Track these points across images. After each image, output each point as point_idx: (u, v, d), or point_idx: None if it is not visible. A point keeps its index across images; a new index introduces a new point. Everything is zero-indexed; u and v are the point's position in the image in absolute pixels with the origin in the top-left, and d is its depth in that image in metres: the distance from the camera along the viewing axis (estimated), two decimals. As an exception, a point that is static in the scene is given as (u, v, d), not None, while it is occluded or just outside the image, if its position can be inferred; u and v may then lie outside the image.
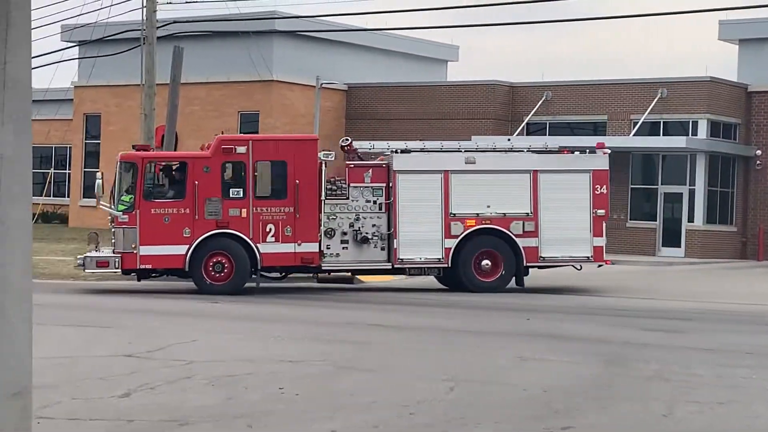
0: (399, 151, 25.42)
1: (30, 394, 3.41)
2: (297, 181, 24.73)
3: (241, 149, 24.95)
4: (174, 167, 25.35)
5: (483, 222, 25.06)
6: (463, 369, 13.16)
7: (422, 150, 25.71)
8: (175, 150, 36.61)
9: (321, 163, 25.03)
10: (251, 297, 23.62)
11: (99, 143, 48.18)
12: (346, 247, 25.19)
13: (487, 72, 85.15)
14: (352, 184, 25.45)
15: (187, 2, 41.33)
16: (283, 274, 25.94)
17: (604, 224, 25.20)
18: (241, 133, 42.74)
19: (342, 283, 26.18)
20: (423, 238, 25.04)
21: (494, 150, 25.87)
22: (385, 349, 15.06)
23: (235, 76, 45.63)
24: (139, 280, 25.49)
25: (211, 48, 45.26)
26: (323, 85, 44.88)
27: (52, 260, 31.33)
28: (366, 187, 25.52)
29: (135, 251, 24.61)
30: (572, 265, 25.57)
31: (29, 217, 3.43)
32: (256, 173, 24.68)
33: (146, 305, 21.40)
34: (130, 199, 24.96)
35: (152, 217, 24.77)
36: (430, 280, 26.30)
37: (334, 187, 25.24)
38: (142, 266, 24.81)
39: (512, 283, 25.17)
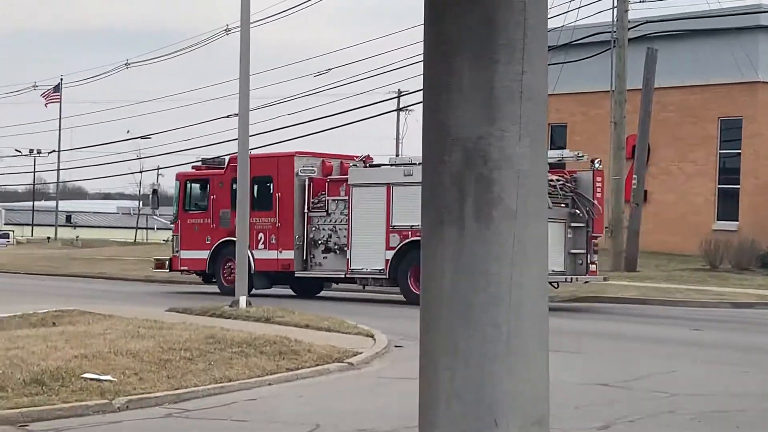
0: (363, 164, 28.57)
1: (548, 423, 3.52)
2: (278, 194, 29.31)
3: None
4: (202, 183, 31.42)
5: (417, 234, 26.33)
6: None
7: (372, 165, 28.60)
8: (646, 162, 36.56)
9: (306, 177, 29.11)
10: (732, 324, 22.96)
11: (564, 155, 48.80)
12: (326, 257, 29.00)
13: None
14: (330, 198, 29.04)
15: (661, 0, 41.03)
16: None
17: None
18: (722, 141, 41.76)
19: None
20: (370, 250, 27.74)
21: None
22: None
23: (714, 78, 44.55)
24: (204, 282, 31.38)
25: (687, 48, 44.51)
26: (817, 85, 42.74)
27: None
28: (341, 199, 28.82)
29: (178, 255, 31.49)
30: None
31: (545, 235, 3.54)
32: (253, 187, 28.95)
33: (605, 329, 21.43)
34: (176, 210, 32.00)
35: (188, 226, 31.34)
36: None
37: (317, 200, 29.13)
38: (182, 268, 31.56)
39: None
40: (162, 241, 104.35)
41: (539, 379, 3.54)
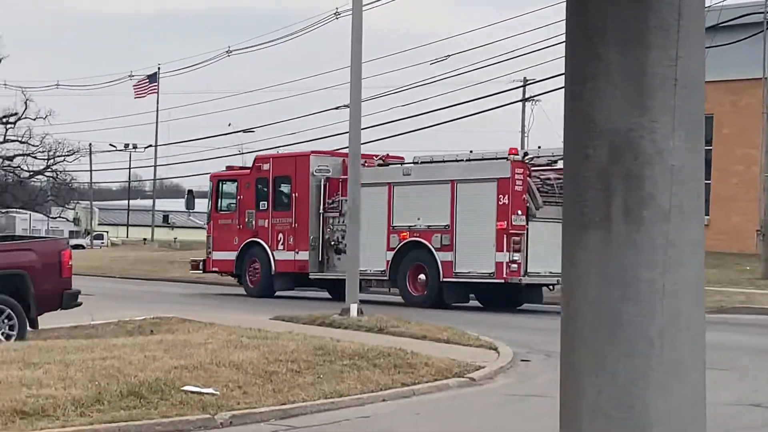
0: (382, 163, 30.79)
1: (705, 447, 3.47)
2: (296, 195, 32.03)
3: (266, 166, 33.20)
4: (231, 184, 34.28)
5: (413, 235, 29.28)
6: None
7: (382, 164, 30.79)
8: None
9: (321, 177, 31.60)
10: None
11: (710, 149, 48.22)
12: (340, 258, 30.82)
13: None
14: (343, 198, 29.99)
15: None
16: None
17: (506, 237, 27.29)
18: None
19: None
20: (373, 250, 29.28)
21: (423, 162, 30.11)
22: None
23: None
24: (240, 284, 34.00)
25: None
26: None
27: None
28: None
29: (210, 256, 34.51)
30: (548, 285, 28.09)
31: (702, 238, 3.48)
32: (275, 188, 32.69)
33: (757, 343, 21.10)
34: (209, 211, 35.36)
35: (219, 227, 34.28)
36: None
37: (332, 201, 31.48)
38: (213, 269, 34.58)
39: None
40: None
41: (695, 398, 3.48)
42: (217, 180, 35.16)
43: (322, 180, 31.59)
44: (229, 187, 34.56)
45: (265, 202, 32.89)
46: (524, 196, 27.38)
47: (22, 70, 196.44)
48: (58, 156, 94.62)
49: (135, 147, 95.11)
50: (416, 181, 29.28)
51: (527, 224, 27.53)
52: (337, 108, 50.40)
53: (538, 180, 28.24)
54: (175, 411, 12.10)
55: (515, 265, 27.43)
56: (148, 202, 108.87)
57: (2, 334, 18.42)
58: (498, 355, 17.84)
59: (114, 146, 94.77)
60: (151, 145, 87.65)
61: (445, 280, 28.49)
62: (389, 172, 30.31)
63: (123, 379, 12.97)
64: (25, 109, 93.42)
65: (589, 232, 3.49)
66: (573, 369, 3.48)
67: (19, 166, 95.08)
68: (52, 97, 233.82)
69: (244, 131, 68.58)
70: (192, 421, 11.94)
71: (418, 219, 29.17)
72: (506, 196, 27.40)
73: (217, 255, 34.20)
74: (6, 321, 18.56)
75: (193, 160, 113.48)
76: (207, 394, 12.82)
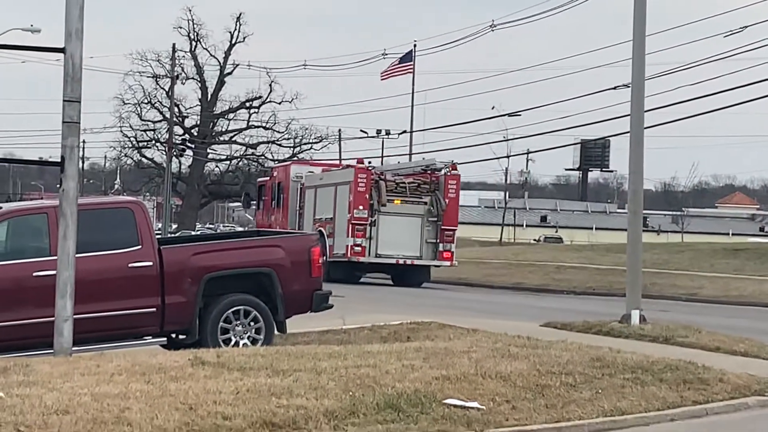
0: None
1: None
2: (283, 196, 45.46)
3: (275, 173, 47.62)
4: (261, 188, 51.06)
5: (321, 225, 42.54)
6: None
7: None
8: None
9: (298, 183, 45.19)
10: None
11: None
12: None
13: None
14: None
15: None
16: None
17: (350, 226, 40.53)
18: None
19: None
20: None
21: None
22: None
23: None
24: None
25: None
26: None
27: None
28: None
29: None
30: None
31: None
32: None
33: None
34: (254, 210, 50.14)
35: (258, 223, 49.41)
36: None
37: (303, 202, 44.37)
38: None
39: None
40: (532, 241, 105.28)
41: None
42: (258, 185, 51.10)
43: (299, 185, 45.09)
44: (261, 191, 49.32)
45: (274, 202, 46.61)
46: (366, 195, 40.38)
47: (266, 50, 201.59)
48: (305, 143, 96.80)
49: (388, 133, 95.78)
50: (322, 184, 43.25)
51: (373, 216, 40.64)
52: (614, 88, 49.90)
53: (393, 183, 41.21)
54: (436, 426, 12.24)
55: (359, 248, 40.50)
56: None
57: (248, 338, 18.97)
58: (805, 370, 17.37)
59: (365, 132, 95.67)
60: (405, 131, 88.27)
61: (329, 260, 39.07)
62: (315, 178, 44.49)
63: (379, 389, 13.20)
64: (270, 92, 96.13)
65: None
66: None
67: (263, 155, 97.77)
68: (298, 78, 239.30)
69: (510, 115, 68.64)
70: (457, 439, 12.05)
71: (323, 213, 42.59)
72: (352, 195, 40.41)
73: None
74: (252, 324, 19.06)
75: (452, 147, 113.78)
76: (472, 408, 12.91)
